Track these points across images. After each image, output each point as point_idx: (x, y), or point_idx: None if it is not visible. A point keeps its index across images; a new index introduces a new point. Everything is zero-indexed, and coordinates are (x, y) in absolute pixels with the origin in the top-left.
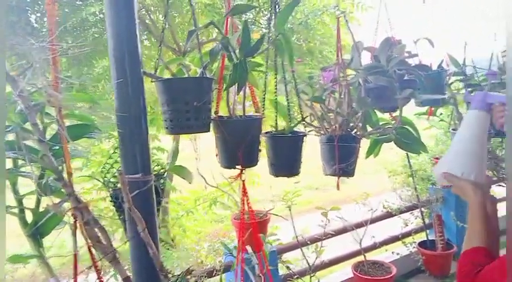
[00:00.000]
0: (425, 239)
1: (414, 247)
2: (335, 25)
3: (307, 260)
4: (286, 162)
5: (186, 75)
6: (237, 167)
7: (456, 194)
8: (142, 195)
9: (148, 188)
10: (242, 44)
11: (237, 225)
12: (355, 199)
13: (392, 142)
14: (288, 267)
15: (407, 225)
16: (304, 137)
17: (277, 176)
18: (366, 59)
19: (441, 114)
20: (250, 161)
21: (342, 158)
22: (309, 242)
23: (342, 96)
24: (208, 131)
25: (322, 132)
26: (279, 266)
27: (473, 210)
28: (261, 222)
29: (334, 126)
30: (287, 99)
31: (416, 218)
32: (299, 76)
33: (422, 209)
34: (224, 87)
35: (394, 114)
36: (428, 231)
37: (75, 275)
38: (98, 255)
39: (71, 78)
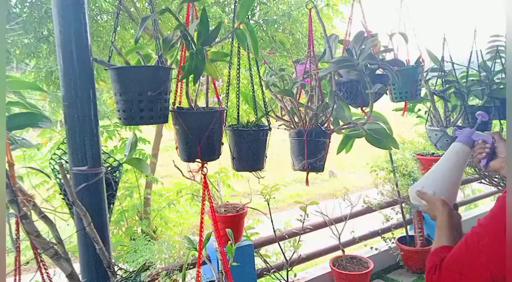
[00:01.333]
0: (405, 234)
1: (393, 242)
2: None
3: (284, 254)
4: (249, 157)
5: (143, 64)
6: (196, 160)
7: (426, 212)
8: (91, 188)
9: (97, 181)
10: (199, 32)
11: (214, 219)
12: (341, 193)
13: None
14: (265, 261)
15: (388, 221)
16: (269, 132)
17: (238, 171)
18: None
19: (419, 110)
20: (210, 154)
21: (311, 153)
22: (287, 236)
23: (313, 89)
24: (166, 122)
25: (292, 126)
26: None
27: (441, 219)
28: (235, 216)
29: (303, 121)
30: (252, 92)
31: (396, 214)
32: (270, 70)
33: (403, 204)
34: (182, 77)
35: (366, 109)
36: (408, 227)
37: (17, 271)
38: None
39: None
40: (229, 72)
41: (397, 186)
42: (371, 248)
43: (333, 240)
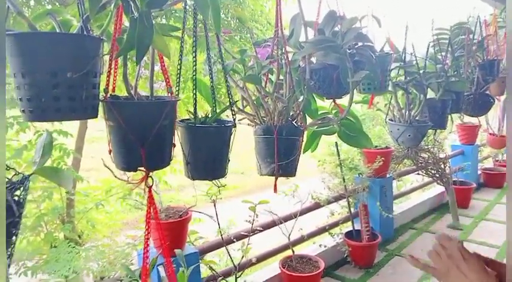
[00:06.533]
0: (352, 229)
1: (341, 238)
2: (266, 1)
3: (232, 260)
4: (207, 161)
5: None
6: (140, 169)
7: None
8: None
9: None
10: None
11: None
12: (282, 184)
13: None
14: (211, 268)
15: (333, 215)
16: (234, 128)
17: (194, 180)
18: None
19: (378, 103)
20: (158, 161)
21: (282, 155)
22: (235, 240)
23: (282, 77)
24: (94, 116)
25: (257, 121)
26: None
27: None
28: (178, 222)
29: (272, 115)
30: (211, 78)
31: (342, 208)
32: (226, 54)
33: (349, 198)
34: (118, 53)
35: (338, 102)
36: (354, 220)
37: None
38: None
39: None
40: (181, 50)
41: (344, 180)
42: (320, 245)
43: (282, 239)
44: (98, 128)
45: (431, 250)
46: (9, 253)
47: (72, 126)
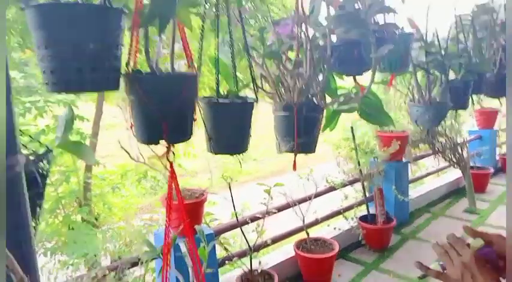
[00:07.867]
0: (366, 213)
1: (355, 221)
2: None
3: (247, 242)
4: (230, 137)
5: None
6: (161, 142)
7: None
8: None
9: (12, 177)
10: None
11: (183, 217)
12: (297, 169)
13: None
14: (226, 249)
15: (347, 198)
16: (255, 104)
17: (216, 154)
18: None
19: (397, 84)
20: (180, 134)
21: (301, 132)
22: (249, 221)
23: (302, 54)
24: (116, 88)
25: (276, 99)
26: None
27: None
28: (194, 204)
29: (292, 93)
30: (232, 55)
31: (356, 192)
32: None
33: (364, 182)
34: (142, 21)
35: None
36: (368, 204)
37: None
38: None
39: None
40: (202, 26)
41: (359, 164)
42: (334, 228)
43: (296, 221)
44: (114, 114)
45: (443, 251)
46: (34, 225)
47: (88, 111)
